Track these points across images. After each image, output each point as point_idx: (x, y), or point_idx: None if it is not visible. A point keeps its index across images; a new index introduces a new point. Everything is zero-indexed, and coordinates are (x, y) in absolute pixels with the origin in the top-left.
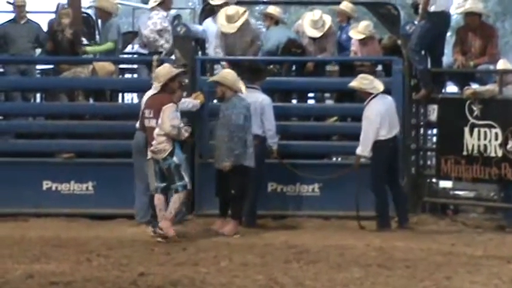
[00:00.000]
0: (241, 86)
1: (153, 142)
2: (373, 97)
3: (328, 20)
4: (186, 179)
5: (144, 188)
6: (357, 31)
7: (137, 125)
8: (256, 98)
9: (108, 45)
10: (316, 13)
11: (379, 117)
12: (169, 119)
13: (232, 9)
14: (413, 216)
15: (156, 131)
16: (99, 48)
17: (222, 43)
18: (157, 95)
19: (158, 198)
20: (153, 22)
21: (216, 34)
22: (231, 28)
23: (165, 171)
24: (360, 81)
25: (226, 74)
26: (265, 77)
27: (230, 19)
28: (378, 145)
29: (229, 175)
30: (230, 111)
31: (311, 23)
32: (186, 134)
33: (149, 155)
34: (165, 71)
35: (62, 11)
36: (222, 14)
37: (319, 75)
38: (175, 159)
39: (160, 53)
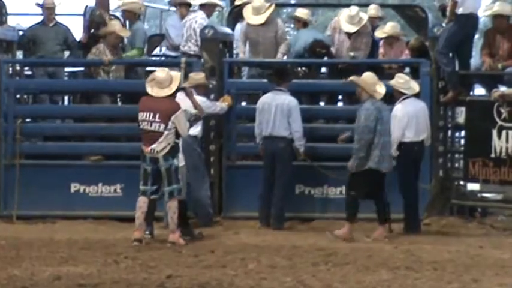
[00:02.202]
0: (379, 89)
1: (155, 144)
2: (405, 98)
3: (364, 17)
4: (181, 183)
5: None
6: (383, 31)
7: None
8: (283, 100)
9: (133, 53)
10: (353, 9)
11: (406, 118)
12: (185, 124)
13: (258, 2)
14: (441, 219)
15: (166, 133)
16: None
17: (244, 37)
18: (161, 99)
19: (144, 201)
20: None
21: (240, 29)
22: (258, 19)
23: (163, 171)
24: (396, 80)
25: (366, 76)
26: (291, 79)
27: (257, 11)
28: (403, 147)
29: (357, 178)
30: (360, 113)
31: (347, 18)
32: None
33: (182, 161)
34: (170, 76)
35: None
36: (248, 8)
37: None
38: (175, 161)
39: (190, 55)
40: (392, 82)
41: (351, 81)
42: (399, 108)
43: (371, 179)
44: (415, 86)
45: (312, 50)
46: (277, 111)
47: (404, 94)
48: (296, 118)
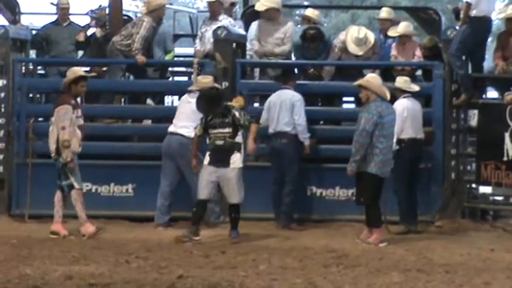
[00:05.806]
0: (386, 91)
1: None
2: (405, 96)
3: (372, 38)
4: (72, 179)
5: (168, 191)
6: (396, 30)
7: (169, 128)
8: (287, 95)
9: (171, 55)
10: (361, 31)
11: (406, 112)
12: (62, 122)
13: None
14: (453, 222)
15: (49, 129)
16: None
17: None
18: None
19: (57, 195)
20: None
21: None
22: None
23: (59, 169)
24: (398, 81)
25: (371, 78)
26: (296, 78)
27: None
28: (402, 144)
29: (358, 182)
30: (361, 115)
31: (355, 40)
32: (66, 144)
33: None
34: (70, 73)
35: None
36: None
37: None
38: (61, 159)
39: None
40: (396, 83)
41: (358, 85)
42: (399, 103)
43: (372, 183)
44: (414, 86)
45: (304, 35)
46: (282, 108)
47: (404, 93)
48: (298, 111)
